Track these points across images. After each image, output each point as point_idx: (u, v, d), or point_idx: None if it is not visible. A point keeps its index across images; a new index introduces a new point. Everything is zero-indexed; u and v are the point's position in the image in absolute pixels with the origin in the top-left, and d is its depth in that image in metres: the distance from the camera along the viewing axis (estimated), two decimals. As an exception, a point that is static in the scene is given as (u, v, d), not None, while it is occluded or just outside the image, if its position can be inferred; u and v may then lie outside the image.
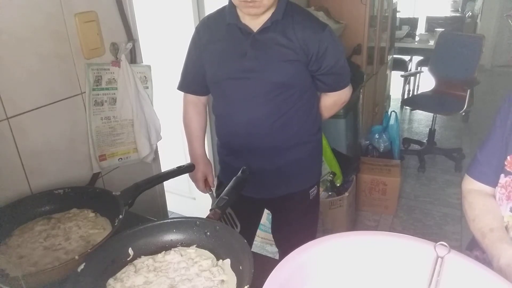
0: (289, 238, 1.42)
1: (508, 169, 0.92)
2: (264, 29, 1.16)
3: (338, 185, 2.40)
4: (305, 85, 1.24)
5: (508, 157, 0.92)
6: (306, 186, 1.39)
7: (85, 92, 1.22)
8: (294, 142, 1.30)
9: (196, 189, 1.49)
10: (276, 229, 1.55)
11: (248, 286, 0.66)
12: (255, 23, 1.17)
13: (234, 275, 0.78)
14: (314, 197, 1.44)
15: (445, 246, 0.68)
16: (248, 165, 1.15)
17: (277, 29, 1.16)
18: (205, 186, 1.46)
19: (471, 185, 1.02)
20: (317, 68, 1.21)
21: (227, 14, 1.20)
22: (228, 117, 1.29)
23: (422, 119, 4.41)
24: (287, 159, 1.31)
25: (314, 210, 1.49)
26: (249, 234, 1.48)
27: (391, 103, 4.57)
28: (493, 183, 0.98)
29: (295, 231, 1.43)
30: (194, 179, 1.46)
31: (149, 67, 1.40)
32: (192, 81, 1.35)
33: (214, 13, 1.28)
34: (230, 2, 1.19)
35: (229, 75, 1.22)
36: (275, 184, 1.35)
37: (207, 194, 1.45)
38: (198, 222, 0.87)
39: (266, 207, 1.53)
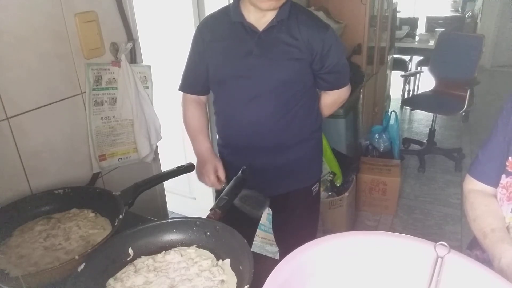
0: (290, 236, 1.43)
1: (509, 170, 0.92)
2: (269, 28, 1.17)
3: (338, 185, 2.40)
4: (308, 83, 1.26)
5: (510, 158, 0.92)
6: (308, 183, 1.41)
7: (85, 92, 1.22)
8: (297, 140, 1.31)
9: (196, 189, 1.48)
10: (278, 227, 1.54)
11: (248, 286, 0.66)
12: (260, 22, 1.18)
13: (234, 275, 0.78)
14: (316, 194, 1.45)
15: (445, 246, 0.68)
16: (252, 163, 1.14)
17: (282, 28, 1.18)
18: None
19: (472, 185, 1.02)
20: (320, 66, 1.23)
21: (232, 13, 1.20)
22: (232, 115, 1.29)
23: (422, 119, 4.41)
24: (290, 156, 1.32)
25: (315, 207, 1.51)
26: (249, 233, 1.48)
27: (391, 103, 4.57)
28: (495, 183, 0.97)
29: (296, 229, 1.44)
30: (204, 173, 1.29)
31: (149, 67, 1.40)
32: (194, 82, 1.34)
33: (217, 12, 1.28)
34: (235, 1, 1.19)
35: (234, 73, 1.22)
36: (278, 181, 1.36)
37: (207, 195, 1.44)
38: (198, 222, 0.87)
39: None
